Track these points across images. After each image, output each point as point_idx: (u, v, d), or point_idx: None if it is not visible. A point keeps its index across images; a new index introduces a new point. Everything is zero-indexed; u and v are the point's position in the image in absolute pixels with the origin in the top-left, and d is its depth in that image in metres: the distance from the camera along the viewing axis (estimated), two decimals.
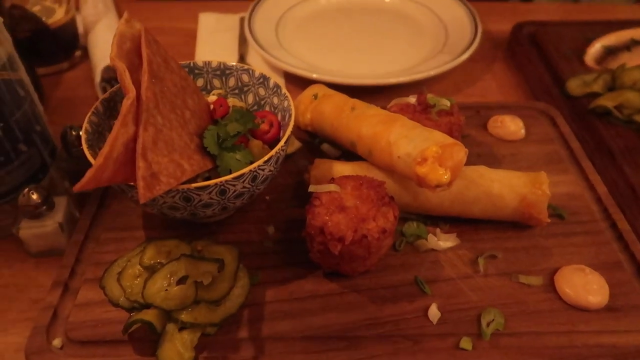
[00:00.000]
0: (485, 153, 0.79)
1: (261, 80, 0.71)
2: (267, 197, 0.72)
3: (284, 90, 0.68)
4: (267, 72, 0.71)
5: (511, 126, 0.81)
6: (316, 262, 0.61)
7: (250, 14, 1.12)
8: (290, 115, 0.65)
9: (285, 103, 0.67)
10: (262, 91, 0.71)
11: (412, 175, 0.59)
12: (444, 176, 0.56)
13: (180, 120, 0.60)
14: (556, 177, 0.74)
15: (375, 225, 0.56)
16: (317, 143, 0.80)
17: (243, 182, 0.57)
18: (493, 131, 0.82)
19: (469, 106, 0.87)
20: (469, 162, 0.69)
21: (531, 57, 1.01)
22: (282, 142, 0.60)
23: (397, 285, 0.61)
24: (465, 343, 0.55)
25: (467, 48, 1.01)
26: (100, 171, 0.47)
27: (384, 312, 0.58)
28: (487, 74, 1.06)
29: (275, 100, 0.69)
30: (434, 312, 0.57)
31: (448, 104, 0.71)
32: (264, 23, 1.12)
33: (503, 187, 0.64)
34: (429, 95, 0.73)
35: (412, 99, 0.74)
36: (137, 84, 0.56)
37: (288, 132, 0.61)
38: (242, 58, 1.07)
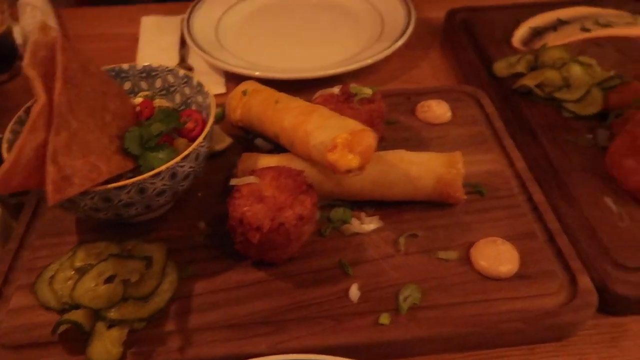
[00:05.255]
0: (412, 137, 0.82)
1: (185, 80, 0.72)
2: (199, 194, 0.74)
3: (206, 88, 0.69)
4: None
5: (437, 110, 0.83)
6: (242, 253, 0.63)
7: (189, 15, 1.13)
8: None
9: (207, 100, 0.69)
10: (187, 90, 0.73)
11: (325, 162, 0.61)
12: (353, 161, 0.59)
13: (99, 123, 0.61)
14: (480, 156, 0.77)
15: (292, 213, 0.58)
16: (250, 138, 0.82)
17: (162, 179, 0.59)
18: (420, 116, 0.84)
19: (400, 93, 0.90)
20: (398, 146, 0.72)
21: (463, 43, 1.04)
22: (200, 139, 0.61)
23: (322, 269, 0.63)
24: (384, 318, 0.57)
25: (401, 35, 1.04)
26: (8, 176, 0.49)
27: (308, 296, 0.60)
28: (424, 61, 1.09)
29: (200, 98, 0.71)
30: (354, 292, 0.60)
31: (370, 92, 0.74)
32: (204, 23, 1.13)
33: (421, 168, 0.67)
34: (352, 85, 0.75)
35: (336, 90, 0.76)
36: (53, 91, 0.57)
37: (206, 130, 0.63)
38: (183, 59, 1.08)
